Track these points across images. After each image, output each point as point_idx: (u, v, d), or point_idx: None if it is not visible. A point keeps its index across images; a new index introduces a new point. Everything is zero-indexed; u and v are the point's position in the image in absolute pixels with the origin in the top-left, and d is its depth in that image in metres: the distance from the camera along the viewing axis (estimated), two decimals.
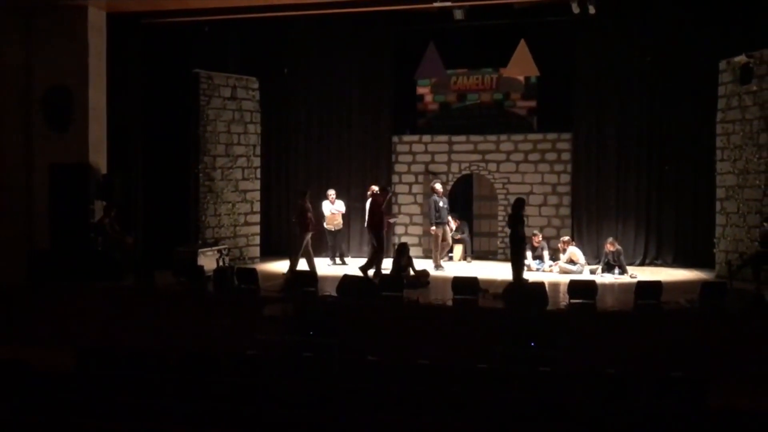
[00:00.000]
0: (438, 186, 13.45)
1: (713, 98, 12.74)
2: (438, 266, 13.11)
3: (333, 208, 13.71)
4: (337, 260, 13.92)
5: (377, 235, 12.47)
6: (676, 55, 13.36)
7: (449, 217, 13.61)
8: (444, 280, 11.15)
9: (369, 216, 12.82)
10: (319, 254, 13.69)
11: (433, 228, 13.18)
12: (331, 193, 13.79)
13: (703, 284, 9.74)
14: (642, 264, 13.65)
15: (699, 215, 13.44)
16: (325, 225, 13.71)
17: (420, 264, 12.32)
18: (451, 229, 13.75)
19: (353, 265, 13.13)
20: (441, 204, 13.22)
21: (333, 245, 13.90)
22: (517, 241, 11.18)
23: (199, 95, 13.64)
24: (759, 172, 11.74)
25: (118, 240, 11.65)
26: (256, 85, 14.51)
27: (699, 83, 13.16)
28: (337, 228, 13.79)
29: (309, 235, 12.54)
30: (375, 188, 13.33)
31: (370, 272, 12.00)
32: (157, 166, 13.14)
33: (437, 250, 13.28)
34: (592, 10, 11.86)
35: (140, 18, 12.64)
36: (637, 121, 13.79)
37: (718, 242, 12.64)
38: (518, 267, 11.18)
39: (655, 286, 9.50)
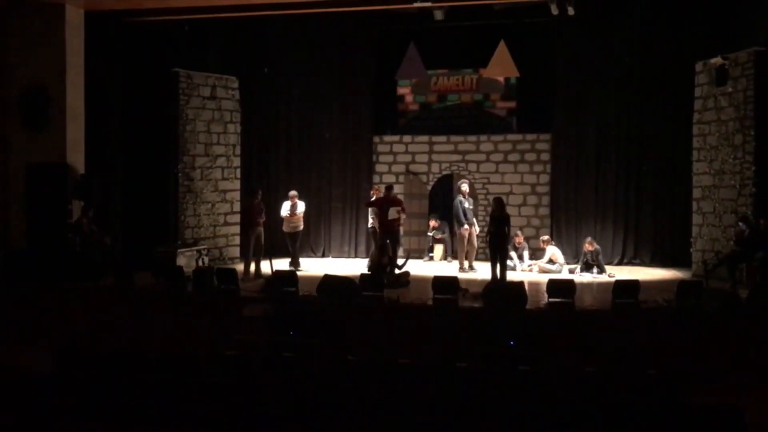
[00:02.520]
0: (465, 187, 13.08)
1: (690, 99, 12.88)
2: (470, 267, 12.86)
3: (292, 210, 13.09)
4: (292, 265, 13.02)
5: (395, 234, 12.33)
6: (653, 56, 13.52)
7: (474, 218, 13.15)
8: (424, 279, 11.17)
9: (386, 216, 12.24)
10: (285, 256, 13.57)
11: (460, 229, 12.81)
12: (293, 193, 13.22)
13: (679, 283, 9.81)
14: (620, 263, 13.77)
15: (676, 215, 13.61)
16: (283, 228, 13.24)
17: (409, 265, 12.26)
18: (475, 231, 13.03)
19: (310, 270, 12.79)
20: (466, 205, 12.93)
21: (292, 249, 13.21)
22: (503, 241, 11.25)
23: (179, 94, 13.53)
24: (734, 173, 11.90)
25: (96, 240, 11.57)
26: (236, 85, 14.44)
27: (676, 84, 13.31)
28: (294, 230, 13.16)
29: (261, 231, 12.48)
30: (381, 188, 13.23)
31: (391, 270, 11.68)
32: (135, 166, 13.05)
33: (463, 251, 12.95)
34: (571, 11, 11.98)
35: (119, 16, 12.55)
36: (616, 122, 13.93)
37: (694, 242, 12.79)
38: (504, 267, 11.24)
39: (633, 285, 9.59)
